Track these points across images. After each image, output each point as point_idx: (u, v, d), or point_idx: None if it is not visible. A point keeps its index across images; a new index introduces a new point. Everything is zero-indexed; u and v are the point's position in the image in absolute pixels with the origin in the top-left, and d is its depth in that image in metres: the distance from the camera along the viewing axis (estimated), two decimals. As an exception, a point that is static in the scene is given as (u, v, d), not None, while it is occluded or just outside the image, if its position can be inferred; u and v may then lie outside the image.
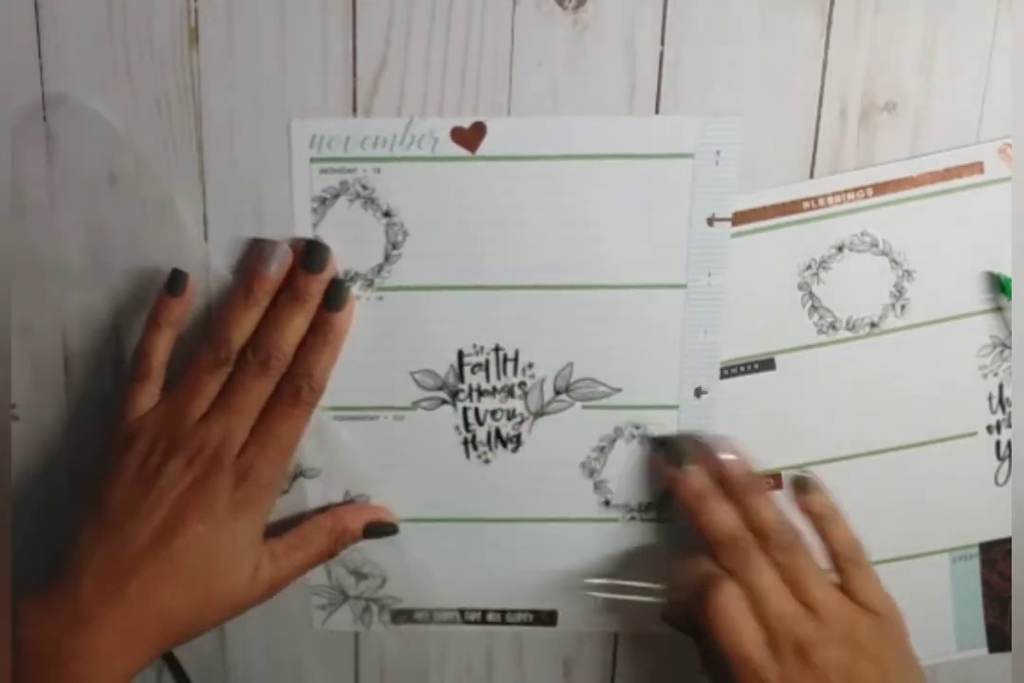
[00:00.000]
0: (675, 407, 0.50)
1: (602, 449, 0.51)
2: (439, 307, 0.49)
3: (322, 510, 0.51)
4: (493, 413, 0.50)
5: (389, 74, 0.47)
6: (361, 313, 0.49)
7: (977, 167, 0.48)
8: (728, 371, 0.50)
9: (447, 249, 0.48)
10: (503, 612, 0.53)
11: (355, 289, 0.49)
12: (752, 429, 0.51)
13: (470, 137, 0.47)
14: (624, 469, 0.51)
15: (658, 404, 0.50)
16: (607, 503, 0.51)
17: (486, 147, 0.47)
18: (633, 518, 0.52)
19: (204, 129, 0.48)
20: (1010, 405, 0.51)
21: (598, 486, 0.51)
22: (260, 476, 0.46)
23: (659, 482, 0.51)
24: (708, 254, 0.49)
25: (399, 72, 0.47)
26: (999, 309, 0.50)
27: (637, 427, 0.51)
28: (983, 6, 0.46)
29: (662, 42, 0.46)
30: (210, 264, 0.49)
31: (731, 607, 0.45)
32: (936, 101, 0.47)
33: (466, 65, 0.47)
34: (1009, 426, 0.51)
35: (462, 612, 0.53)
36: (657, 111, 0.47)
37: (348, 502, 0.51)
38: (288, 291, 0.47)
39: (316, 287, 0.47)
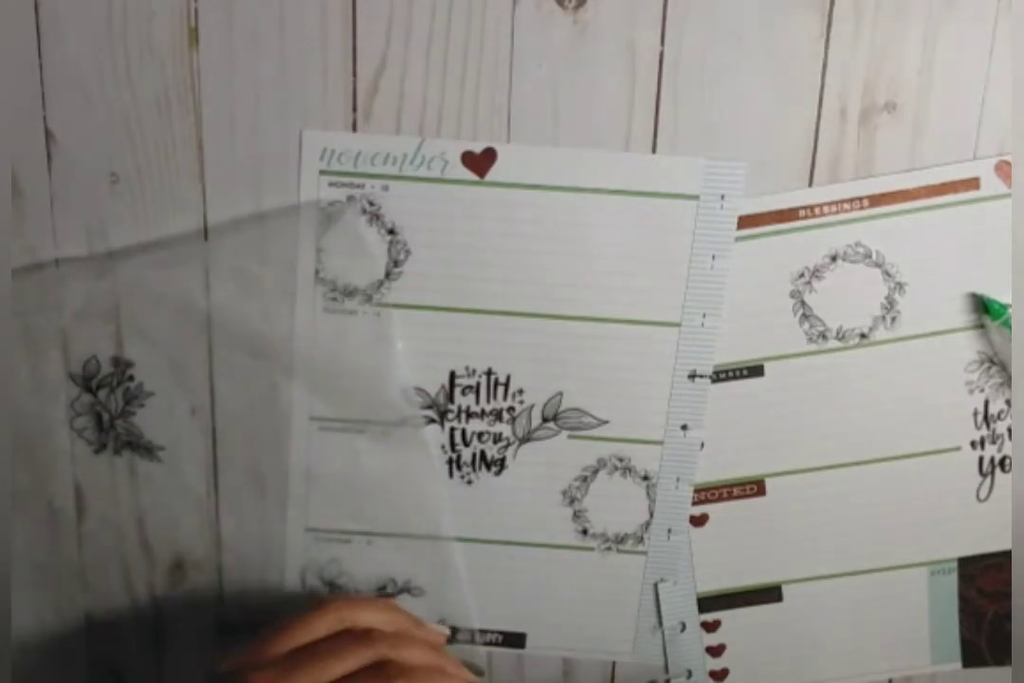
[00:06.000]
0: (660, 442, 0.51)
1: (584, 479, 0.51)
2: (435, 327, 0.49)
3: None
4: (480, 435, 0.50)
5: (389, 74, 0.47)
6: (356, 328, 0.49)
7: (973, 183, 0.48)
8: (717, 376, 0.50)
9: (447, 270, 0.49)
10: (472, 631, 0.53)
11: (353, 304, 0.49)
12: (737, 435, 0.51)
13: (480, 162, 0.48)
14: (604, 500, 0.51)
15: (644, 438, 0.51)
16: (584, 532, 0.52)
17: (495, 173, 0.48)
18: (609, 548, 0.52)
19: (204, 129, 0.48)
20: (995, 421, 0.51)
21: (577, 515, 0.51)
22: None
23: (637, 515, 0.51)
24: (705, 294, 0.49)
25: (399, 72, 0.47)
26: (983, 327, 0.50)
27: (620, 459, 0.51)
28: (983, 6, 0.46)
29: (662, 42, 0.46)
30: (210, 265, 0.49)
31: None
32: (936, 102, 0.47)
33: (466, 65, 0.47)
34: (994, 442, 0.51)
35: None
36: (657, 112, 0.47)
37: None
38: None
39: None
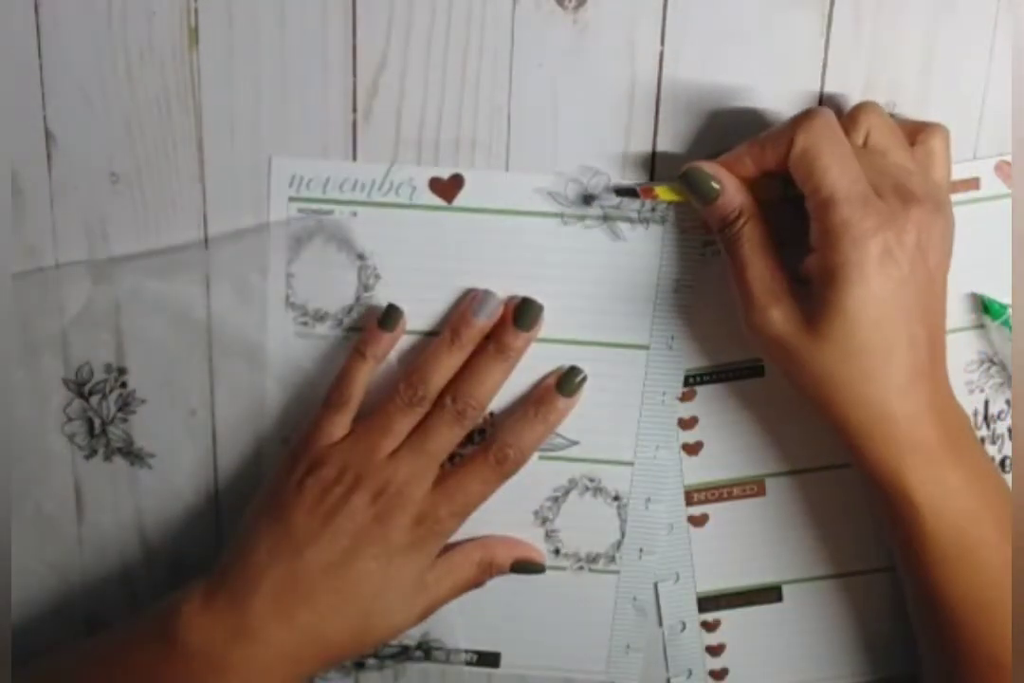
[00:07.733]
0: (630, 463, 0.51)
1: (556, 499, 0.51)
2: (406, 351, 0.49)
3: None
4: (451, 458, 0.49)
5: (389, 74, 0.47)
6: (327, 352, 0.49)
7: (973, 183, 0.48)
8: (716, 376, 0.50)
9: (417, 295, 0.49)
10: (448, 651, 0.53)
11: (324, 328, 0.49)
12: (737, 435, 0.51)
13: (447, 188, 0.48)
14: (576, 520, 0.51)
15: (614, 459, 0.51)
16: (557, 552, 0.52)
17: (463, 198, 0.48)
18: (581, 568, 0.52)
19: (204, 129, 0.48)
20: (995, 421, 0.51)
21: (549, 535, 0.51)
22: (439, 523, 0.47)
23: (608, 534, 0.51)
24: (673, 318, 0.49)
25: (399, 72, 0.47)
26: (983, 327, 0.50)
27: (591, 480, 0.51)
28: (983, 6, 0.46)
29: (662, 42, 0.46)
30: (211, 266, 0.49)
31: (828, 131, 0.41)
32: (936, 102, 0.47)
33: (466, 65, 0.47)
34: (994, 443, 0.51)
35: (405, 648, 0.53)
36: (657, 112, 0.47)
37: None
38: (494, 343, 0.47)
39: (522, 343, 0.47)
